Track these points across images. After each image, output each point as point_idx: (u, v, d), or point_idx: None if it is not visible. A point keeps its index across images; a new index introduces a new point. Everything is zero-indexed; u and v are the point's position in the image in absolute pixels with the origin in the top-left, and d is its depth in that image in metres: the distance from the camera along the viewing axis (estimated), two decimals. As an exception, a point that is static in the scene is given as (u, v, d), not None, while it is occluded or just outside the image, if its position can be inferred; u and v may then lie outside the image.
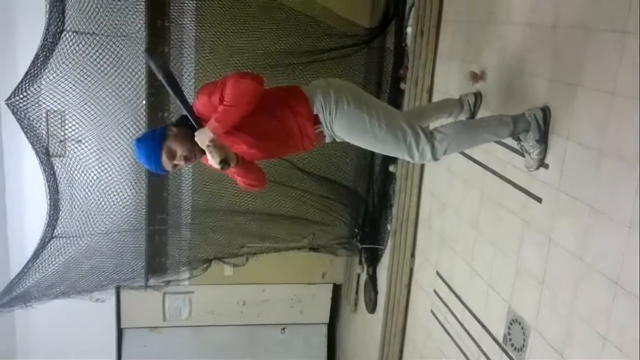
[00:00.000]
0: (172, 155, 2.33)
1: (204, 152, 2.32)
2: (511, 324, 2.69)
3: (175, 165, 2.37)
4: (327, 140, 2.53)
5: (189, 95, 3.97)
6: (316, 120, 2.42)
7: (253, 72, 2.31)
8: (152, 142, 2.33)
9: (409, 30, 3.93)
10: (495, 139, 2.58)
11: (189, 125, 2.32)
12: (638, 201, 1.93)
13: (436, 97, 3.57)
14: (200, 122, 2.30)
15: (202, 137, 2.26)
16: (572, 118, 2.27)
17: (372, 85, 4.36)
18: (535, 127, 2.40)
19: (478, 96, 2.99)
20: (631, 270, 1.95)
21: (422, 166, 3.76)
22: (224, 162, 2.28)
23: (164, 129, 2.36)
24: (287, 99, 2.41)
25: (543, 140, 2.41)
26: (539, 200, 2.48)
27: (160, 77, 2.25)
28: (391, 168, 4.26)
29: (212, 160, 2.29)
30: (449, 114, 3.05)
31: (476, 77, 2.87)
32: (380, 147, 2.50)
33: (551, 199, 2.40)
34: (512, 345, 2.68)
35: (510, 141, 2.64)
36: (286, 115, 2.39)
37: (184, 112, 2.32)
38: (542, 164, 2.45)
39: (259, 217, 4.41)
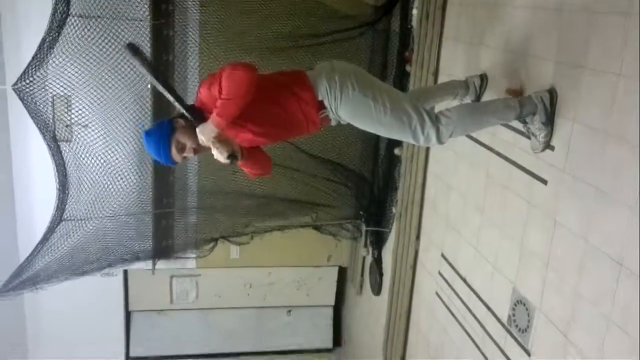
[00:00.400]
0: (181, 148, 2.36)
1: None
2: (515, 305, 2.71)
3: (184, 157, 2.41)
4: (333, 123, 2.53)
5: (195, 83, 4.02)
6: (321, 106, 2.42)
7: (245, 62, 2.30)
8: (160, 135, 2.35)
9: (415, 12, 3.91)
10: (501, 122, 2.58)
11: (195, 117, 2.33)
12: (643, 183, 1.94)
13: (442, 79, 3.56)
14: (201, 116, 2.31)
15: (206, 132, 2.28)
16: (578, 100, 2.27)
17: (377, 67, 4.35)
18: (542, 110, 2.40)
19: (484, 78, 2.98)
20: (635, 251, 1.96)
21: (428, 149, 3.76)
22: (232, 157, 2.30)
23: (171, 121, 2.37)
24: (291, 86, 2.40)
25: (549, 122, 2.41)
26: (544, 182, 2.49)
27: (147, 74, 2.27)
28: (396, 151, 4.26)
29: (220, 156, 2.30)
30: (454, 95, 3.05)
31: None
32: (385, 131, 2.51)
33: (556, 181, 2.41)
34: (517, 326, 2.70)
35: (515, 123, 2.64)
36: (290, 102, 2.39)
37: (179, 107, 2.33)
38: (548, 146, 2.46)
39: (264, 199, 4.44)
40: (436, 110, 2.61)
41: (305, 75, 2.44)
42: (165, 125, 2.37)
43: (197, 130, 2.30)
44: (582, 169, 2.25)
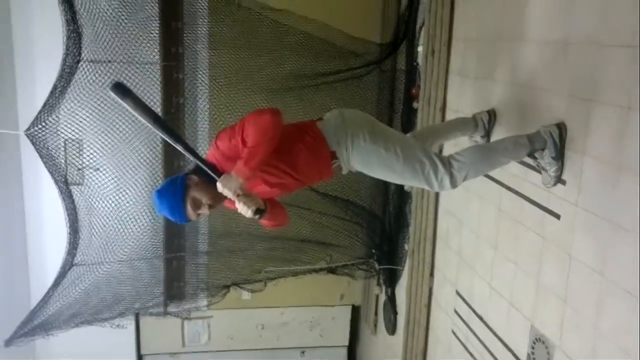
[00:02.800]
0: (196, 206, 2.26)
1: (226, 197, 2.23)
2: (535, 343, 2.64)
3: (199, 215, 2.30)
4: (344, 172, 2.52)
5: (204, 125, 4.06)
6: (333, 156, 2.41)
7: (270, 107, 2.26)
8: (174, 194, 2.24)
9: (420, 49, 3.95)
10: (513, 161, 2.57)
11: (212, 167, 2.24)
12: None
13: (449, 115, 3.57)
14: (215, 168, 2.22)
15: (230, 185, 2.15)
16: (588, 133, 2.26)
17: (385, 104, 4.38)
18: (552, 144, 2.39)
19: (492, 114, 2.98)
20: (655, 285, 1.92)
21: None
22: (259, 211, 2.21)
23: (184, 179, 2.27)
24: (303, 137, 2.38)
25: (559, 157, 2.39)
26: (557, 216, 2.45)
27: (146, 120, 2.10)
28: (406, 187, 4.25)
29: (247, 211, 2.19)
30: (462, 133, 3.05)
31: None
32: (399, 179, 2.51)
33: (569, 215, 2.37)
34: (536, 364, 2.63)
35: (526, 158, 2.62)
36: (303, 153, 2.36)
37: (192, 157, 2.21)
38: (559, 180, 2.43)
39: (275, 241, 4.41)
40: (447, 152, 2.60)
41: (317, 126, 2.43)
42: (179, 183, 2.26)
43: (219, 184, 2.16)
44: (594, 203, 2.22)
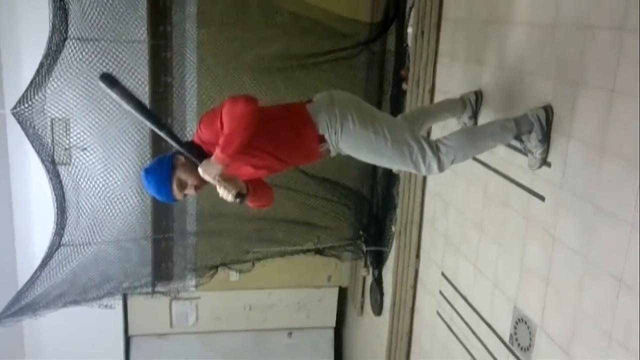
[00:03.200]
0: (182, 186, 2.29)
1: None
2: (517, 323, 2.68)
3: (185, 195, 2.33)
4: (333, 154, 2.52)
5: (193, 105, 4.04)
6: (322, 139, 2.41)
7: (246, 95, 2.25)
8: (160, 173, 2.28)
9: (410, 30, 3.94)
10: (500, 144, 2.58)
11: (195, 153, 2.26)
12: (639, 198, 1.93)
13: (438, 97, 3.57)
14: (199, 153, 2.24)
15: (211, 171, 2.19)
16: (574, 116, 2.27)
17: (374, 86, 4.37)
18: (538, 127, 2.40)
19: (479, 94, 2.99)
20: (635, 267, 1.95)
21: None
22: (240, 196, 2.22)
23: (171, 159, 2.29)
24: (291, 119, 2.38)
25: (546, 139, 2.41)
26: (542, 198, 2.48)
27: (133, 111, 2.14)
28: (395, 170, 4.26)
29: (227, 195, 2.21)
30: (451, 114, 3.06)
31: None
32: (387, 162, 2.53)
33: (554, 197, 2.40)
34: (519, 344, 2.67)
35: (512, 140, 2.64)
36: (291, 135, 2.36)
37: (175, 145, 2.24)
38: (544, 162, 2.45)
39: (263, 222, 4.42)
40: (435, 136, 2.61)
41: (305, 108, 2.42)
42: (166, 163, 2.29)
43: (200, 169, 2.20)
44: (579, 185, 2.24)
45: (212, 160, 2.18)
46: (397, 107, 4.19)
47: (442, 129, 3.28)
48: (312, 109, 2.41)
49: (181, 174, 2.28)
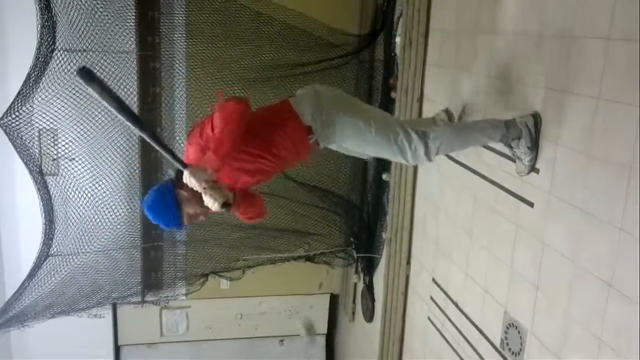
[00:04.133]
0: (193, 219, 2.28)
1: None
2: (508, 328, 2.71)
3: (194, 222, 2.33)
4: (321, 146, 2.52)
5: (182, 116, 4.03)
6: (309, 131, 2.41)
7: (236, 96, 2.24)
8: (167, 211, 2.22)
9: (398, 39, 3.97)
10: (487, 141, 2.60)
11: (179, 158, 2.19)
12: (628, 204, 1.96)
13: (426, 106, 3.60)
14: (179, 159, 2.14)
15: (199, 175, 2.06)
16: (561, 123, 2.31)
17: (363, 94, 4.40)
18: (527, 134, 2.43)
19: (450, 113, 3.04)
20: (623, 271, 1.98)
21: (415, 174, 3.78)
22: (227, 205, 2.16)
23: (173, 197, 2.22)
24: (277, 116, 2.38)
25: (534, 146, 2.45)
26: (531, 204, 2.51)
27: (111, 106, 1.97)
28: (384, 176, 4.29)
29: (213, 204, 2.12)
30: None
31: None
32: (373, 149, 2.52)
33: (543, 203, 2.43)
34: (510, 349, 2.69)
35: (500, 147, 2.67)
36: (278, 132, 2.35)
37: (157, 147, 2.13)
38: (533, 169, 2.48)
39: (253, 230, 4.42)
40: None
41: (289, 103, 2.43)
42: (169, 199, 2.21)
43: (187, 172, 2.06)
44: (567, 191, 2.27)
45: (203, 164, 2.08)
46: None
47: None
48: (295, 101, 2.42)
49: (189, 209, 2.24)
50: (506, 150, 2.62)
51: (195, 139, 2.19)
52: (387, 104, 4.18)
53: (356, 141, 2.46)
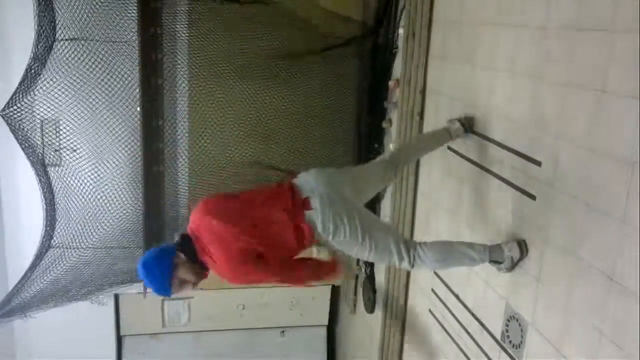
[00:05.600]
0: (183, 285, 2.35)
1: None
2: (509, 321, 2.71)
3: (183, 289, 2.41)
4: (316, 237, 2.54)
5: (184, 107, 4.02)
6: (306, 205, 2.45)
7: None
8: (159, 275, 2.31)
9: (401, 31, 3.95)
10: (470, 264, 2.69)
11: (192, 248, 2.33)
12: (629, 196, 1.95)
13: (429, 97, 3.59)
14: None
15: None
16: (563, 116, 2.30)
17: (366, 86, 4.38)
18: (509, 264, 2.58)
19: (465, 123, 3.02)
20: (625, 265, 1.98)
21: (417, 167, 3.77)
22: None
23: (170, 259, 2.31)
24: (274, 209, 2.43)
25: (515, 265, 2.59)
26: (533, 197, 2.50)
27: None
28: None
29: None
30: (440, 146, 3.13)
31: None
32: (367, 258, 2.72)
33: (545, 196, 2.42)
34: (510, 342, 2.70)
35: (500, 138, 2.66)
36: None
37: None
38: (514, 267, 2.59)
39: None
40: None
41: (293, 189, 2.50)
42: (167, 262, 2.31)
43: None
44: (570, 184, 2.27)
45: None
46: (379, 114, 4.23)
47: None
48: (309, 214, 2.45)
49: (183, 275, 2.32)
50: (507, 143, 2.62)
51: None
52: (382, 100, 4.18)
53: (352, 253, 2.59)
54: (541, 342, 2.45)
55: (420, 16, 3.59)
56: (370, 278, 4.82)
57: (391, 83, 4.09)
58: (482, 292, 2.96)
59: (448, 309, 3.40)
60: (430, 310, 3.66)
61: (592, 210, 2.13)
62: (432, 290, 3.61)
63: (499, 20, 2.79)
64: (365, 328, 5.14)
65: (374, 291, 4.78)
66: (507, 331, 2.73)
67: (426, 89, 3.62)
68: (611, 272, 2.04)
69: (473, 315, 3.08)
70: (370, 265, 4.81)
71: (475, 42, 3.02)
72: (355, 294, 5.33)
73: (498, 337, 2.82)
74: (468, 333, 3.14)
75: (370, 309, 4.86)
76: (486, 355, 2.94)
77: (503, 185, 2.74)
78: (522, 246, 2.55)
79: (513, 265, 2.58)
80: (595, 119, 2.11)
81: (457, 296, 3.28)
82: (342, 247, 2.56)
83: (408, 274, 3.99)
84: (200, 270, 2.35)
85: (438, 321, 3.54)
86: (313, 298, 5.97)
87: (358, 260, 4.98)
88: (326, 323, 6.15)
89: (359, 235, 2.49)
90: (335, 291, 6.01)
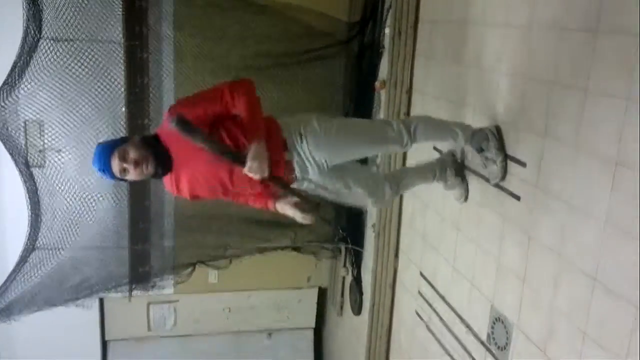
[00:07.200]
0: (123, 157, 2.26)
1: (157, 165, 2.31)
2: (494, 322, 2.71)
3: (123, 169, 2.28)
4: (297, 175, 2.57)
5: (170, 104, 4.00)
6: (284, 146, 2.46)
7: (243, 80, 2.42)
8: (108, 144, 2.34)
9: (387, 30, 3.95)
10: (454, 136, 2.70)
11: (154, 145, 2.32)
12: (611, 197, 1.96)
13: (415, 97, 3.59)
14: (240, 156, 2.27)
15: (261, 156, 2.25)
16: (548, 115, 2.30)
17: (352, 83, 4.37)
18: (493, 138, 2.58)
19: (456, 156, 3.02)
20: (608, 265, 1.98)
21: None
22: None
23: (119, 142, 2.35)
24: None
25: (502, 150, 2.56)
26: (517, 198, 2.50)
27: (199, 142, 2.23)
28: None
29: (261, 171, 2.26)
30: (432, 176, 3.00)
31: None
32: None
33: (529, 197, 2.42)
34: (496, 344, 2.69)
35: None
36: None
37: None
38: (505, 174, 2.55)
39: (242, 220, 4.39)
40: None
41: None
42: (119, 139, 2.40)
43: (249, 163, 2.23)
44: (553, 185, 2.27)
45: (254, 146, 2.24)
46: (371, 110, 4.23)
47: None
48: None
49: (127, 147, 2.28)
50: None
51: (190, 110, 2.28)
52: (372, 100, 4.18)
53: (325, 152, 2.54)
54: (526, 343, 2.44)
55: (406, 15, 3.60)
56: (357, 279, 4.81)
57: (377, 84, 4.09)
58: (468, 293, 2.96)
59: (434, 310, 3.39)
60: (416, 312, 3.65)
61: (575, 210, 2.14)
62: (419, 291, 3.60)
63: (485, 19, 2.79)
64: (352, 330, 5.13)
65: (361, 293, 4.77)
66: (492, 333, 2.72)
67: (412, 89, 3.62)
68: (594, 272, 2.04)
69: (459, 316, 3.08)
70: (357, 267, 4.79)
71: (462, 42, 3.03)
72: (342, 296, 5.32)
73: (484, 338, 2.81)
74: (453, 335, 3.13)
75: (357, 311, 4.84)
76: (472, 356, 2.93)
77: (487, 185, 2.74)
78: (498, 128, 2.60)
79: (499, 145, 2.57)
80: (580, 118, 2.11)
81: (442, 297, 3.27)
82: (321, 150, 2.51)
83: (395, 274, 3.99)
84: (147, 154, 2.29)
85: (424, 323, 3.53)
86: (300, 300, 5.94)
87: (345, 260, 4.97)
88: (313, 325, 6.12)
89: (337, 122, 2.60)
90: (322, 293, 5.98)
